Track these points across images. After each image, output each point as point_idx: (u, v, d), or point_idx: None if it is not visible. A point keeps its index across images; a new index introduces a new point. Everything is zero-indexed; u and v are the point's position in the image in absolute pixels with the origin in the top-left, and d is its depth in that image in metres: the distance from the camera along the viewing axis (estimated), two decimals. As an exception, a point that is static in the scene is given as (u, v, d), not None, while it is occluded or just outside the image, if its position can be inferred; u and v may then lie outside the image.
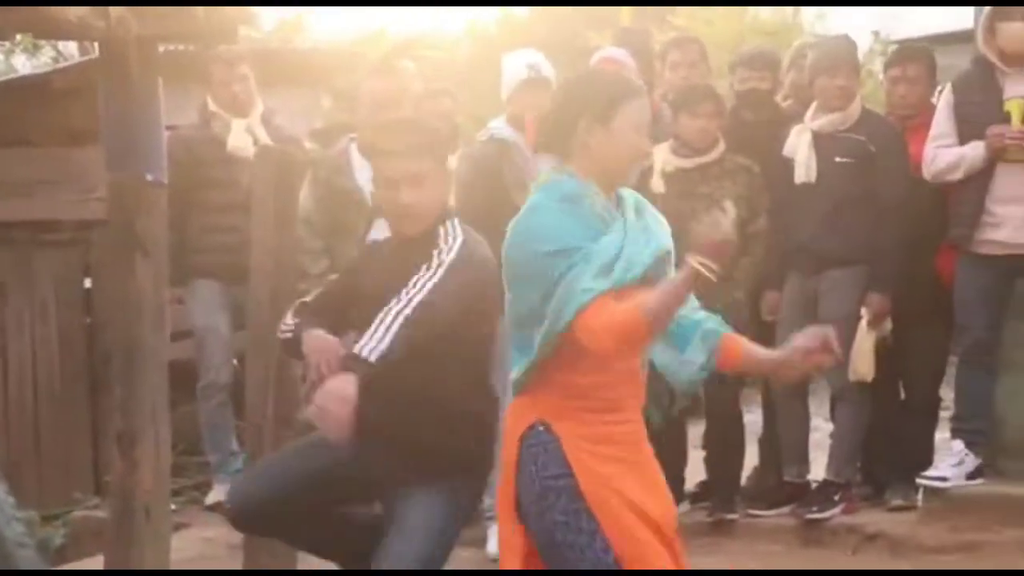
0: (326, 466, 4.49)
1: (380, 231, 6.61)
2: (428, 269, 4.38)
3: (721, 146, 7.09)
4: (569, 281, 3.91)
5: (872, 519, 7.00)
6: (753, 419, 7.65)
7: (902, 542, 6.74)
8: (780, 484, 7.25)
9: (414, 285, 4.30)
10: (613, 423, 4.10)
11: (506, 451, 4.13)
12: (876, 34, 14.90)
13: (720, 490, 7.19)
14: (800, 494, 7.12)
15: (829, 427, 7.46)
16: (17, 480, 4.71)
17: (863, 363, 6.89)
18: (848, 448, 7.11)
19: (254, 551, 5.53)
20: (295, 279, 6.17)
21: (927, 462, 7.07)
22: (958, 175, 6.85)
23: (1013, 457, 7.14)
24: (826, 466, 7.14)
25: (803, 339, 4.14)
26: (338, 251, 6.51)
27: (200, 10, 5.08)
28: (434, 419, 4.44)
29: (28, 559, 1.61)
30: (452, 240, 4.54)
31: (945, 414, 7.50)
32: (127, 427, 5.18)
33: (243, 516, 4.62)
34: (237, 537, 5.84)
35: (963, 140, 6.85)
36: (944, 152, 6.89)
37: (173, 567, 5.36)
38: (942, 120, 6.97)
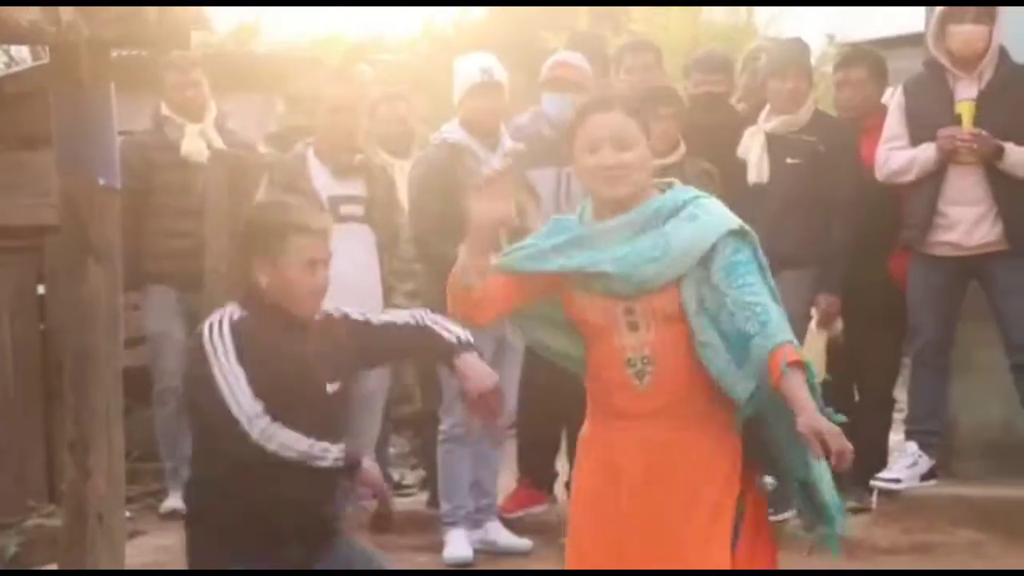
0: None
1: (337, 237, 6.62)
2: None
3: (682, 149, 7.11)
4: None
5: (826, 520, 7.01)
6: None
7: (856, 543, 6.75)
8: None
9: None
10: (616, 429, 4.15)
11: None
12: (830, 37, 14.97)
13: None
14: (756, 496, 7.13)
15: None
16: (-30, 488, 4.69)
17: (814, 363, 6.91)
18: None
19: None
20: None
21: (881, 464, 7.11)
22: (910, 177, 6.90)
23: (966, 458, 7.20)
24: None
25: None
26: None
27: (153, 13, 5.04)
28: None
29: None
30: None
31: (899, 416, 7.54)
32: (80, 434, 5.14)
33: None
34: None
35: (915, 142, 6.90)
36: (896, 154, 6.94)
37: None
38: (894, 122, 7.02)
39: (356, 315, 4.62)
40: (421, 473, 8.32)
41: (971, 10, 6.79)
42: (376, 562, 4.63)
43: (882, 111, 7.25)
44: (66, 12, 4.97)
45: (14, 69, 10.51)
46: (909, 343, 7.23)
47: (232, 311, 4.31)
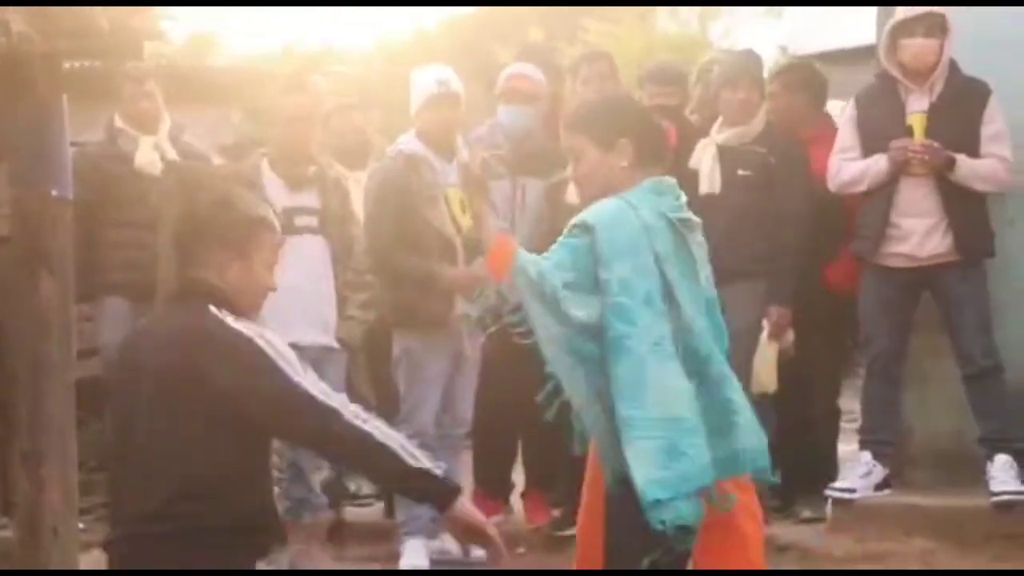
0: None
1: (291, 249, 6.61)
2: None
3: (636, 159, 7.13)
4: None
5: (782, 531, 7.04)
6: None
7: (811, 552, 6.79)
8: (692, 497, 7.27)
9: None
10: None
11: None
12: (783, 49, 15.06)
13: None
14: (710, 506, 7.15)
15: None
16: (-78, 502, 4.66)
17: (765, 375, 6.96)
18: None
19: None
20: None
21: (832, 474, 7.15)
22: (862, 187, 6.94)
23: (920, 467, 7.24)
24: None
25: None
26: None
27: (105, 23, 5.03)
28: None
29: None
30: None
31: (852, 426, 7.58)
32: (34, 446, 5.12)
33: None
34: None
35: (867, 153, 6.94)
36: (848, 165, 6.98)
37: (80, 587, 5.31)
38: (846, 134, 7.06)
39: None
40: (377, 484, 8.31)
41: (922, 23, 6.84)
42: None
43: (823, 123, 7.32)
44: (17, 23, 4.95)
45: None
46: (862, 354, 7.26)
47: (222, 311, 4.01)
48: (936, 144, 6.78)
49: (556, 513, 7.24)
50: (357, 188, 7.22)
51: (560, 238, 4.26)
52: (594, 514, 4.35)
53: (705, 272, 4.40)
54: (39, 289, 5.05)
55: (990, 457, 6.78)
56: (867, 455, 6.96)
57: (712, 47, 15.20)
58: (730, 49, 7.49)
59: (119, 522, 4.04)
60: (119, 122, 7.49)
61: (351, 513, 7.80)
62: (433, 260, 6.78)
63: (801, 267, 7.02)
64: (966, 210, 6.85)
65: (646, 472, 4.06)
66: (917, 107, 6.91)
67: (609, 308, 4.15)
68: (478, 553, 6.85)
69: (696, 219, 4.41)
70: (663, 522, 4.04)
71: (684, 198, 4.40)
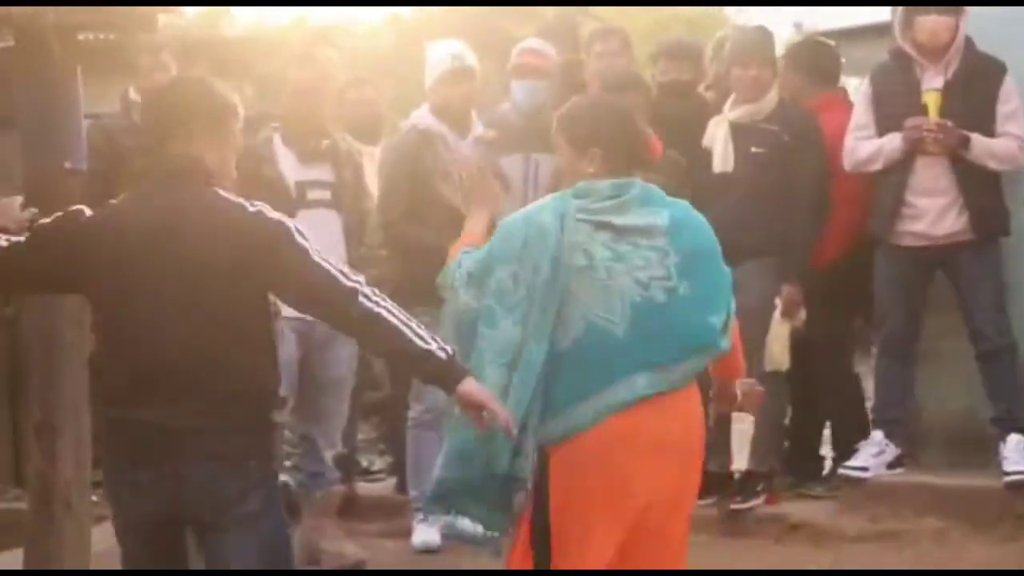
0: None
1: (304, 223, 6.60)
2: None
3: (648, 137, 7.12)
4: None
5: (795, 509, 7.05)
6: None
7: (824, 531, 6.80)
8: (703, 475, 7.26)
9: None
10: None
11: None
12: (797, 26, 15.01)
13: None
14: (723, 485, 7.16)
15: (750, 417, 7.49)
16: (-64, 473, 4.67)
17: (778, 352, 6.95)
18: (768, 438, 7.16)
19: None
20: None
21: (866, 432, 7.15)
22: (877, 166, 6.92)
23: (933, 447, 7.23)
24: (748, 456, 7.18)
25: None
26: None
27: (120, -5, 5.04)
28: None
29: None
30: None
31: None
32: (47, 419, 5.12)
33: None
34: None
35: (882, 131, 6.93)
36: (863, 143, 6.96)
37: (94, 560, 5.31)
38: (861, 111, 7.04)
39: None
40: (389, 459, 8.32)
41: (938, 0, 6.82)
42: None
43: (831, 98, 7.31)
44: (33, -7, 4.95)
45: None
46: (875, 332, 7.25)
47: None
48: (950, 123, 6.76)
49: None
50: (370, 162, 7.21)
51: None
52: None
53: (646, 275, 4.38)
54: (53, 262, 5.03)
55: (1003, 437, 6.78)
56: (879, 434, 6.96)
57: (727, 23, 15.14)
58: (743, 26, 7.41)
59: (179, 414, 4.00)
60: (134, 94, 7.45)
61: (363, 488, 7.81)
62: (446, 235, 6.76)
63: (813, 245, 7.01)
64: (981, 189, 6.83)
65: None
66: (932, 85, 6.88)
67: (481, 310, 4.39)
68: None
69: (641, 223, 4.45)
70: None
71: (627, 196, 4.49)
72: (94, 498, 5.57)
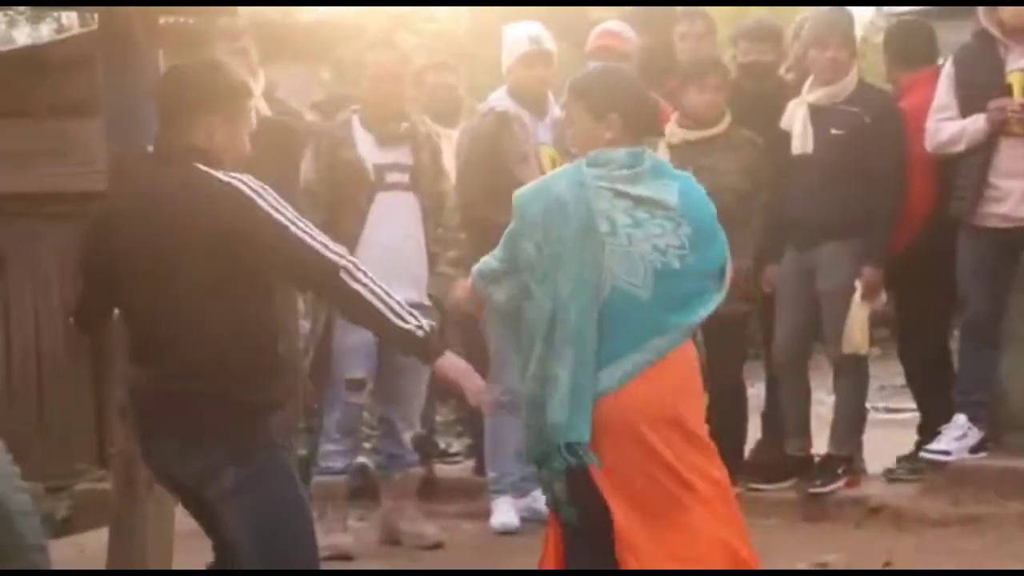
0: None
1: (382, 205, 6.63)
2: None
3: (727, 119, 7.09)
4: None
5: (875, 492, 7.01)
6: (755, 392, 7.66)
7: (905, 515, 6.75)
8: (783, 458, 7.25)
9: None
10: None
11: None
12: (878, 7, 14.86)
13: (723, 463, 7.18)
14: (803, 468, 7.13)
15: (832, 400, 7.46)
16: (22, 453, 4.69)
17: (858, 335, 6.89)
18: (849, 421, 7.12)
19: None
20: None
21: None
22: (960, 148, 6.85)
23: (1016, 430, 7.14)
24: (828, 439, 7.14)
25: None
26: (340, 223, 6.50)
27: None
28: None
29: (32, 528, 1.61)
30: None
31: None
32: (130, 400, 5.15)
33: None
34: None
35: (965, 113, 6.85)
36: (946, 125, 6.89)
37: (176, 539, 5.36)
38: (943, 93, 6.97)
39: None
40: (467, 441, 8.34)
41: (1022, -21, 6.74)
42: None
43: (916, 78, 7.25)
44: (117, -21, 4.99)
45: (62, 35, 10.54)
46: (958, 315, 7.19)
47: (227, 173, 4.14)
48: (1035, 104, 6.68)
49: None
50: (449, 145, 7.22)
51: None
52: None
53: (664, 242, 4.43)
54: (135, 244, 5.07)
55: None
56: (962, 417, 6.89)
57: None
58: (822, 8, 7.34)
59: (155, 376, 4.18)
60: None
61: (441, 470, 7.84)
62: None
63: (895, 227, 6.95)
64: (1066, 171, 6.75)
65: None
66: (1017, 65, 6.79)
67: (520, 284, 4.48)
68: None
69: (654, 195, 4.48)
70: None
71: (641, 167, 4.51)
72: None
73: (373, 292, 4.08)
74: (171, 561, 5.26)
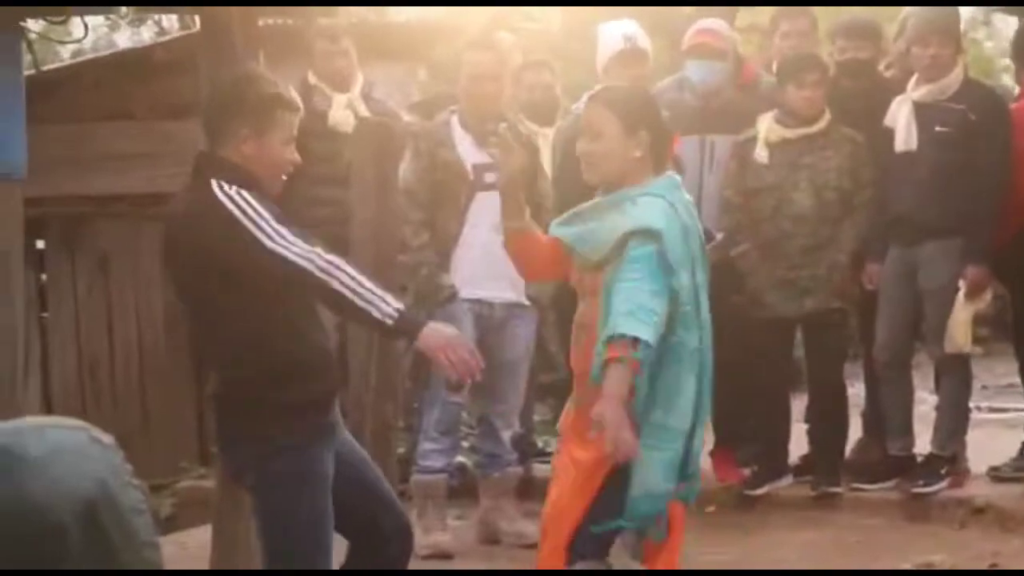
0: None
1: (481, 205, 6.63)
2: None
3: (827, 116, 7.03)
4: None
5: (980, 492, 6.92)
6: (856, 392, 7.60)
7: (1011, 515, 6.66)
8: (885, 457, 7.18)
9: None
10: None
11: None
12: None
13: (824, 463, 7.14)
14: (905, 468, 7.06)
15: (934, 399, 7.37)
16: (126, 451, 4.72)
17: (961, 334, 6.81)
18: (952, 420, 7.04)
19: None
20: (395, 251, 6.19)
21: None
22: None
23: None
24: (931, 439, 7.07)
25: None
26: (439, 223, 6.52)
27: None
28: None
29: (146, 526, 1.64)
30: None
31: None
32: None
33: None
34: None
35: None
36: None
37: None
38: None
39: None
40: (565, 441, 8.32)
41: None
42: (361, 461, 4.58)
43: None
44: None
45: (164, 38, 10.66)
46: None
47: (229, 185, 4.22)
48: None
49: (747, 471, 7.21)
50: (546, 144, 7.22)
51: (629, 248, 4.24)
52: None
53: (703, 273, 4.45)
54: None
55: None
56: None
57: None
58: (927, 5, 7.24)
59: (211, 379, 4.51)
60: (312, 79, 7.53)
61: (540, 469, 7.83)
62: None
63: (997, 224, 6.87)
64: None
65: (650, 483, 4.29)
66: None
67: (679, 316, 4.27)
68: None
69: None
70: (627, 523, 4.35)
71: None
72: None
73: (345, 284, 4.14)
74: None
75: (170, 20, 15.27)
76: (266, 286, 4.21)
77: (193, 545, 6.47)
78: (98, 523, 1.76)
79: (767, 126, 7.02)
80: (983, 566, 6.06)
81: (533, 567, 5.47)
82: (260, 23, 5.65)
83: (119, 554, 1.77)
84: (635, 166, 4.39)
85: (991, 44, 18.52)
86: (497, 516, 6.84)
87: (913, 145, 6.90)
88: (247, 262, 4.15)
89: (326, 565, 4.36)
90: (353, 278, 4.15)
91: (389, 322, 4.16)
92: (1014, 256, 6.93)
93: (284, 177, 4.44)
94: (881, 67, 7.65)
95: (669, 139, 4.56)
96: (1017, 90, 7.53)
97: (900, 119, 6.95)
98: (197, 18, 6.39)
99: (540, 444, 8.17)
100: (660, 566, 4.48)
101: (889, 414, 7.14)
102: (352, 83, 7.52)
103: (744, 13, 8.36)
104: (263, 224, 4.13)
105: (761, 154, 6.96)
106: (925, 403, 7.68)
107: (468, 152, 6.68)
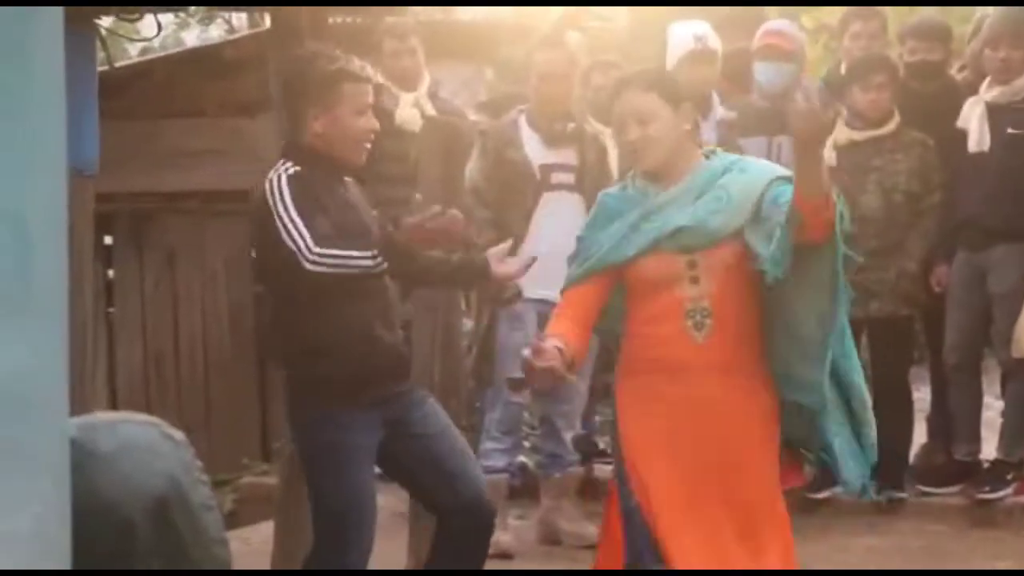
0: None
1: (547, 205, 6.62)
2: None
3: (896, 119, 6.98)
4: None
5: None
6: (921, 396, 7.54)
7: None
8: (950, 462, 7.13)
9: None
10: (666, 382, 4.27)
11: None
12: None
13: (888, 468, 7.07)
14: (971, 473, 7.00)
15: (1000, 405, 7.31)
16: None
17: (1027, 342, 6.75)
18: (1019, 426, 6.97)
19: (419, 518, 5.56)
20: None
21: None
22: None
23: None
24: (997, 445, 7.00)
25: None
26: (505, 222, 6.52)
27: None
28: None
29: (215, 522, 1.65)
30: None
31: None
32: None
33: None
34: (403, 505, 5.90)
35: None
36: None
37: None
38: None
39: None
40: (627, 441, 8.31)
41: None
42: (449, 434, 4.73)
43: None
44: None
45: (233, 36, 10.72)
46: None
47: (286, 166, 4.47)
48: None
49: (809, 475, 7.16)
50: (613, 145, 7.19)
51: (778, 193, 4.11)
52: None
53: None
54: (303, 241, 5.13)
55: None
56: None
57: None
58: (1002, 7, 7.18)
59: None
60: (380, 78, 7.53)
61: (601, 470, 7.82)
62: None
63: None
64: None
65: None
66: None
67: None
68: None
69: None
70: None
71: None
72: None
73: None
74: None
75: (239, 18, 15.35)
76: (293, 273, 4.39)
77: (257, 540, 6.51)
78: (168, 520, 1.77)
79: (836, 128, 6.97)
80: (1049, 574, 6.01)
81: (593, 567, 5.47)
82: (330, 21, 5.67)
83: (189, 550, 1.78)
84: (687, 141, 4.29)
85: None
86: (557, 516, 6.84)
87: (985, 147, 6.84)
88: (276, 252, 4.37)
89: (359, 541, 4.52)
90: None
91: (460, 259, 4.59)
92: None
93: (367, 145, 4.62)
94: (954, 69, 7.59)
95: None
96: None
97: (973, 120, 6.89)
98: (267, 16, 6.41)
99: (602, 445, 8.14)
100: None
101: (956, 418, 7.08)
102: (419, 82, 7.52)
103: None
104: (287, 209, 4.35)
105: (828, 157, 6.91)
106: (991, 408, 7.60)
107: (535, 152, 6.67)
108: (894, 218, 6.92)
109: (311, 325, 4.49)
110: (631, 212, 4.32)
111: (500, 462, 6.73)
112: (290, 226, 4.34)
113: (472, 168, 6.66)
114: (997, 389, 7.53)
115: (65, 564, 1.55)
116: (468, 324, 6.81)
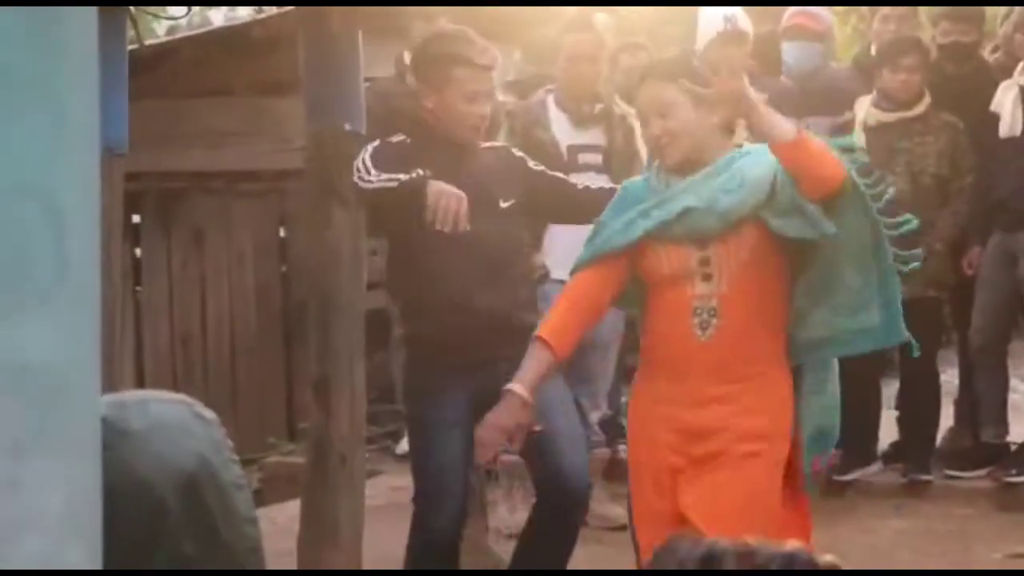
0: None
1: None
2: None
3: (926, 101, 6.95)
4: None
5: None
6: (948, 379, 7.51)
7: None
8: (977, 445, 7.12)
9: None
10: (671, 381, 4.19)
11: None
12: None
13: (914, 451, 7.08)
14: (998, 456, 6.98)
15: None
16: (216, 426, 4.80)
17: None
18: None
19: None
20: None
21: None
22: None
23: None
24: (1025, 428, 7.00)
25: None
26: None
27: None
28: None
29: (246, 501, 1.64)
30: None
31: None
32: (323, 374, 5.21)
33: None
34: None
35: None
36: None
37: (367, 513, 5.43)
38: None
39: (532, 163, 5.03)
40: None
41: None
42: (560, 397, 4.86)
43: None
44: (316, -41, 5.05)
45: (262, 15, 10.70)
46: None
47: (391, 138, 4.82)
48: None
49: (835, 457, 7.14)
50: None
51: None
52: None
53: None
54: (331, 222, 5.13)
55: None
56: None
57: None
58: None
59: None
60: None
61: (627, 451, 7.81)
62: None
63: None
64: None
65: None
66: None
67: None
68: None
69: None
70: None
71: None
72: (366, 454, 5.70)
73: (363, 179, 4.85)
74: (361, 535, 5.32)
75: (268, -3, 15.33)
76: (389, 227, 4.84)
77: (283, 519, 6.52)
78: (199, 499, 1.77)
79: (865, 109, 6.95)
80: (1076, 558, 5.99)
81: (619, 549, 5.48)
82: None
83: (219, 529, 1.79)
84: (715, 132, 4.14)
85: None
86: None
87: (1017, 130, 6.82)
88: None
89: (445, 510, 4.77)
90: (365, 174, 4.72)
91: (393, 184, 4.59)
92: None
93: (479, 127, 4.81)
94: (987, 51, 7.55)
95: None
96: None
97: (1006, 104, 6.86)
98: (295, -5, 6.40)
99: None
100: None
101: (983, 401, 7.07)
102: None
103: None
104: (369, 172, 4.71)
105: (858, 137, 6.88)
106: (1017, 391, 7.59)
107: (563, 132, 6.66)
108: (922, 200, 6.88)
109: (409, 285, 4.80)
110: (648, 200, 4.22)
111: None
112: (358, 162, 4.71)
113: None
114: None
115: (96, 544, 1.55)
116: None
